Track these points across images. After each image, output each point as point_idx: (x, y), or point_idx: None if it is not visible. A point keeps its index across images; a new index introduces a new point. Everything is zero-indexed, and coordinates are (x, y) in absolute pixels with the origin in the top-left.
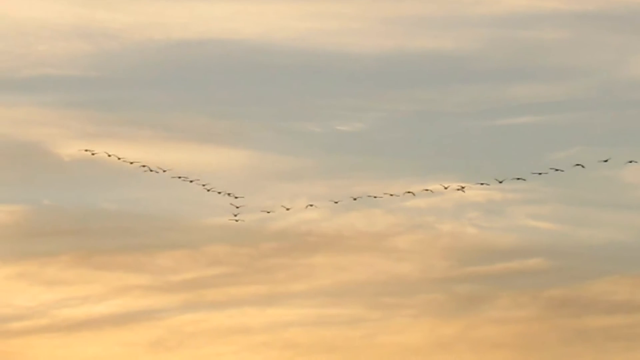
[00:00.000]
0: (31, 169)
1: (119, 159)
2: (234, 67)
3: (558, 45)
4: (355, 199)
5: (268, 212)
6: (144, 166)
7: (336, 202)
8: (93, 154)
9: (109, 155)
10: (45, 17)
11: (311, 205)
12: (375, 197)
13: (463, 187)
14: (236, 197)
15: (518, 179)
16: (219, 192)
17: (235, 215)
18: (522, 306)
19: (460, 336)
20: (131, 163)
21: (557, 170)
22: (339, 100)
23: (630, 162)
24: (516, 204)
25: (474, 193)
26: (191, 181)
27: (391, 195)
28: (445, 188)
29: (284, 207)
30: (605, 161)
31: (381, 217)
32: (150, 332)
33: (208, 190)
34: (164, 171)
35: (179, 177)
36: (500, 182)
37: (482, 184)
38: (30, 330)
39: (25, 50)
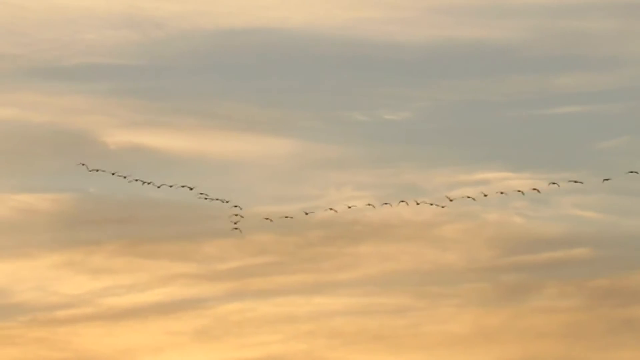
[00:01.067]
0: (77, 157)
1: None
2: (281, 56)
3: (606, 34)
4: (418, 204)
5: (332, 210)
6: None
7: (386, 204)
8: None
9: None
10: (93, 6)
11: (351, 207)
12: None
13: (537, 189)
14: (235, 206)
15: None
16: (216, 200)
17: (235, 223)
18: (568, 296)
19: (505, 326)
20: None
21: (632, 172)
22: (386, 90)
23: None
24: (562, 194)
25: (520, 182)
26: (191, 189)
27: (485, 195)
28: (521, 193)
29: (347, 206)
30: None
31: (427, 206)
32: (195, 321)
33: (205, 199)
34: (150, 183)
35: (170, 186)
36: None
37: (553, 183)
38: (76, 318)
39: (72, 39)
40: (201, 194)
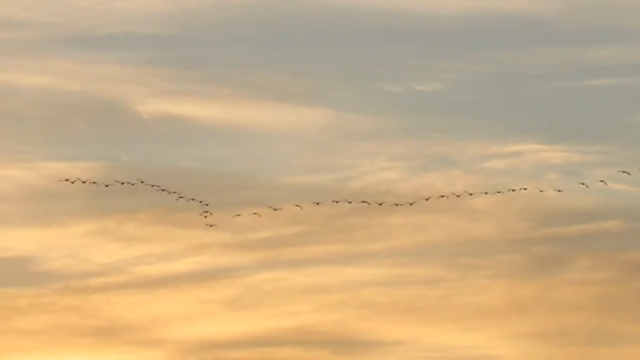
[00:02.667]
0: (111, 126)
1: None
2: (314, 26)
3: None
4: (458, 196)
5: (380, 204)
6: (122, 183)
7: (427, 199)
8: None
9: (83, 182)
10: None
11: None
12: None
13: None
14: (206, 205)
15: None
16: (190, 200)
17: (206, 217)
18: (600, 268)
19: (536, 298)
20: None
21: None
22: (419, 61)
23: None
24: (595, 166)
25: (553, 155)
26: (163, 190)
27: (541, 191)
28: (585, 185)
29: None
30: None
31: (460, 177)
32: (227, 290)
33: (178, 199)
34: (132, 184)
35: (152, 186)
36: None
37: (623, 172)
38: (109, 286)
39: (106, 8)
40: (181, 197)
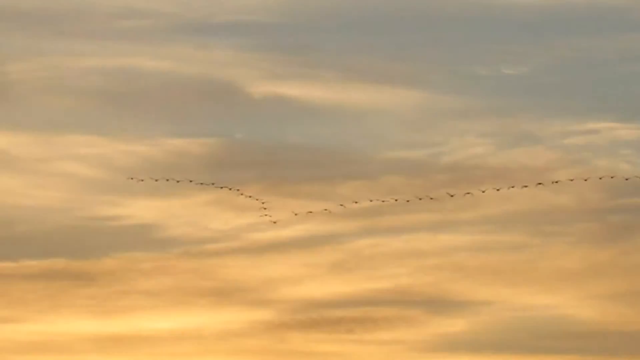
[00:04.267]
0: (225, 106)
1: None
2: (410, 15)
3: None
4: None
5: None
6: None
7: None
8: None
9: (177, 181)
10: None
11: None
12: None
13: None
14: (263, 203)
15: None
16: (248, 196)
17: (267, 216)
18: None
19: (612, 262)
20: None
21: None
22: (506, 46)
23: None
24: None
25: (627, 132)
26: (230, 188)
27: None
28: None
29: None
30: None
31: (542, 152)
32: (331, 255)
33: (242, 195)
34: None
35: (221, 187)
36: None
37: None
38: (223, 251)
39: None
40: (241, 194)
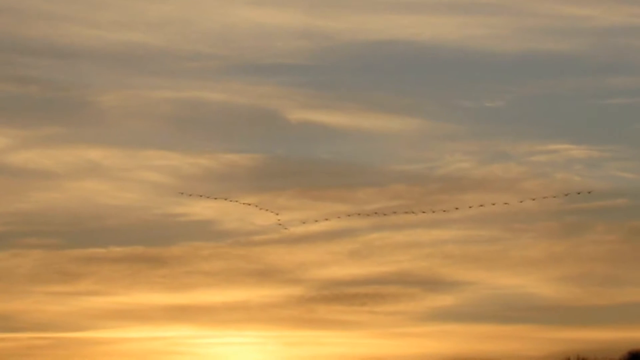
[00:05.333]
0: (268, 129)
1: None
2: (412, 59)
3: None
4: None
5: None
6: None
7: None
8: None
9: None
10: (282, 23)
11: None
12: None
13: None
14: (276, 214)
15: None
16: (265, 210)
17: (281, 225)
18: (612, 232)
19: (567, 252)
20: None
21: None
22: (487, 85)
23: None
24: (609, 160)
25: (579, 152)
26: (249, 204)
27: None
28: None
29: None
30: None
31: (514, 167)
32: (349, 245)
33: (259, 209)
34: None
35: (224, 199)
36: None
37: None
38: (266, 241)
39: (267, 45)
40: (260, 209)
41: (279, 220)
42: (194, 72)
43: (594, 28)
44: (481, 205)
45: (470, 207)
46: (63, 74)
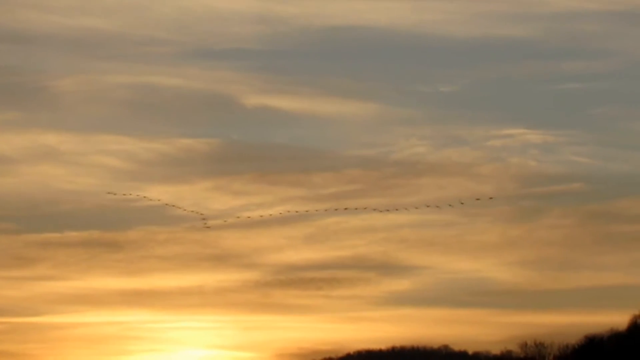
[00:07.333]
0: (224, 113)
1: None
2: (368, 45)
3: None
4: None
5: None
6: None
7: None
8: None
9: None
10: (237, 7)
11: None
12: None
13: None
14: (201, 214)
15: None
16: (190, 211)
17: (205, 223)
18: (567, 216)
19: (523, 237)
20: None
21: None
22: (442, 70)
23: None
24: (564, 145)
25: (535, 137)
26: (166, 204)
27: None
28: None
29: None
30: None
31: (469, 152)
32: (305, 230)
33: (179, 208)
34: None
35: (159, 201)
36: None
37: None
38: (222, 226)
39: (222, 31)
40: (184, 210)
41: (202, 215)
42: (150, 57)
43: (549, 13)
44: (438, 207)
45: (428, 206)
46: (18, 59)
